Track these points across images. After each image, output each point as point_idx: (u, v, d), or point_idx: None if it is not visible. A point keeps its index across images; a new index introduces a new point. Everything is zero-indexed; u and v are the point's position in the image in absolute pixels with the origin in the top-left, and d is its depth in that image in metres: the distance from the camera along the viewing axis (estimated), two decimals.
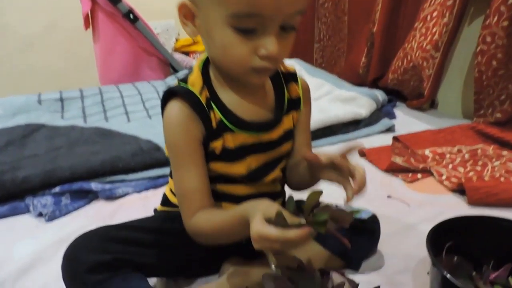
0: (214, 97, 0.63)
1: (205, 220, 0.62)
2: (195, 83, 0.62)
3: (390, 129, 1.45)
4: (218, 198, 0.67)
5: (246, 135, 0.65)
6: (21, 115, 1.49)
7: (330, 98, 1.59)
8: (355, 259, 0.75)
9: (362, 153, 1.25)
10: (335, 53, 2.19)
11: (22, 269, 0.80)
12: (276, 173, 0.71)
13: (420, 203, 0.98)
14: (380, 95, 1.58)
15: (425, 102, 1.61)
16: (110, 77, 2.05)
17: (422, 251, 0.80)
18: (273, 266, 0.61)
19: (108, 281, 0.59)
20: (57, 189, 1.05)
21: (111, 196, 1.06)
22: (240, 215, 0.56)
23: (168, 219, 0.71)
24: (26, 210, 1.02)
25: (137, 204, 1.03)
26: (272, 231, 0.48)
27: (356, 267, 0.76)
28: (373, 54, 1.79)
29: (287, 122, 0.70)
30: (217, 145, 0.63)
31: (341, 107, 1.48)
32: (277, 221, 0.49)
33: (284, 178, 0.75)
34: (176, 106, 0.61)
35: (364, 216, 0.77)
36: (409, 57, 1.58)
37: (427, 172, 1.12)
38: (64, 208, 1.01)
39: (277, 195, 0.74)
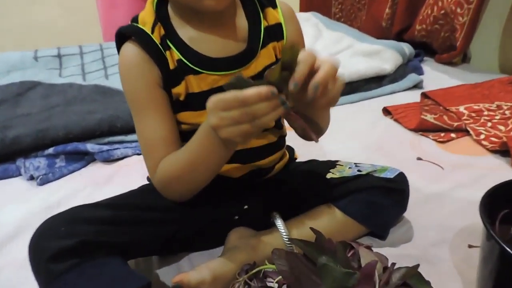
0: (170, 34, 0.56)
1: (170, 161, 0.54)
2: (146, 20, 0.55)
3: (417, 86, 1.32)
4: None
5: (216, 76, 0.56)
6: (16, 72, 1.40)
7: (350, 52, 1.46)
8: (381, 224, 0.65)
9: (387, 111, 1.12)
10: (355, 5, 2.02)
11: (8, 236, 0.75)
12: None
13: (455, 165, 0.87)
14: (407, 48, 1.43)
15: (456, 55, 1.45)
16: (114, 33, 1.92)
17: (459, 221, 0.70)
18: (285, 239, 0.51)
19: (76, 269, 0.48)
20: (50, 150, 0.97)
21: (108, 158, 0.99)
22: (202, 132, 0.50)
23: (153, 192, 0.60)
24: (17, 173, 0.96)
25: (137, 167, 0.95)
26: (229, 93, 0.42)
27: (382, 235, 0.66)
28: (399, 2, 1.61)
29: (266, 55, 0.59)
30: (179, 90, 0.56)
31: (363, 62, 1.35)
32: (237, 83, 0.43)
33: (278, 128, 0.64)
34: (126, 50, 0.55)
35: (390, 175, 0.66)
36: (440, 3, 1.41)
37: (462, 131, 0.99)
38: (58, 170, 0.94)
39: (270, 149, 0.63)
